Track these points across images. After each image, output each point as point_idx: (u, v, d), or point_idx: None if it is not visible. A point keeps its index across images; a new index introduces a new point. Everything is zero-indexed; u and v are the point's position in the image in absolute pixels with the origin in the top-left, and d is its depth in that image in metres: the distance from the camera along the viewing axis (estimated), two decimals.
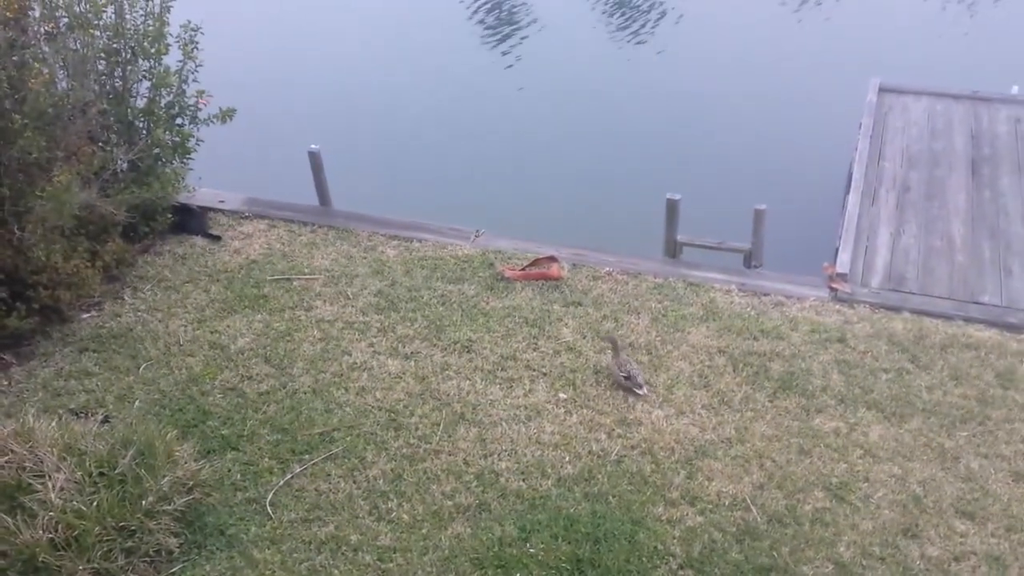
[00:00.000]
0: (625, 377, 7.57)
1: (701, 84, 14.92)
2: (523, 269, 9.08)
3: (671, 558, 6.20)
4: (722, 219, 10.45)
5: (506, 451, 7.01)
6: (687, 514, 6.50)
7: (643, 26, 17.64)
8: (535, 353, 8.01)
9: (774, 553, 6.23)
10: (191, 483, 6.47)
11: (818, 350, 8.06)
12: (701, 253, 9.71)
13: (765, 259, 9.52)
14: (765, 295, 8.85)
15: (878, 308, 8.69)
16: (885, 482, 6.76)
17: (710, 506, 6.56)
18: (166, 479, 6.25)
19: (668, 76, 15.51)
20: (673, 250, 9.70)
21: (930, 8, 17.80)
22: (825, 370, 7.83)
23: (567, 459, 6.95)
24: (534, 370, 7.82)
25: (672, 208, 9.52)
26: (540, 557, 6.17)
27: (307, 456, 6.97)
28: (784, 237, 10.17)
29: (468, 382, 7.67)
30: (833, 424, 7.28)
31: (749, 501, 6.59)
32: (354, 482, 6.77)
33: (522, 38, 17.38)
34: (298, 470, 6.85)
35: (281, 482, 6.75)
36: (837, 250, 9.48)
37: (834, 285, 8.96)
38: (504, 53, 16.86)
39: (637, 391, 7.55)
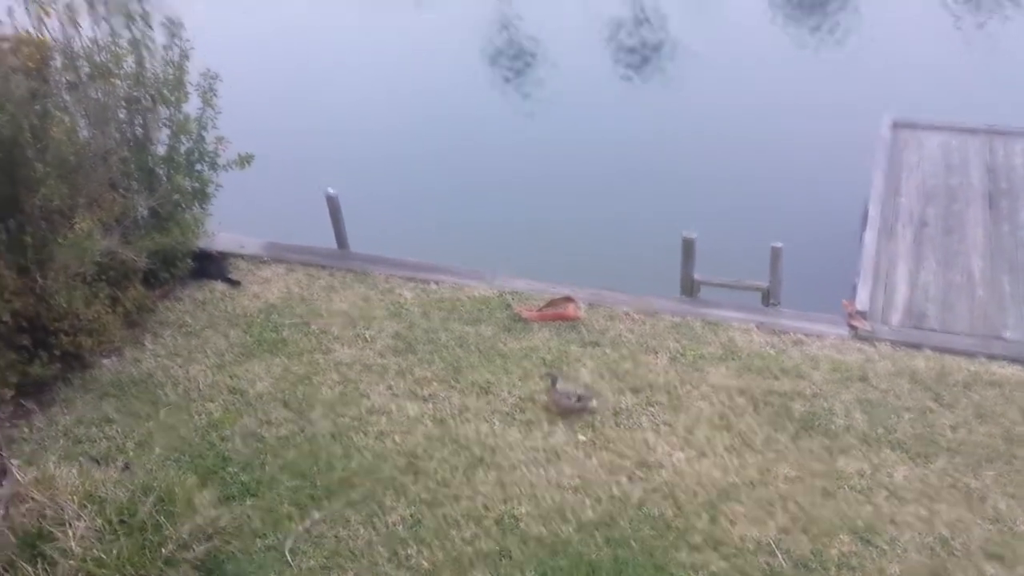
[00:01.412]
0: (577, 399, 7.68)
1: (716, 122, 14.96)
2: (540, 310, 9.08)
3: None
4: (739, 257, 10.42)
5: (526, 495, 6.96)
6: (711, 559, 6.42)
7: (658, 66, 17.75)
8: None
9: None
10: (211, 530, 6.46)
11: (840, 389, 7.99)
12: (718, 291, 9.68)
13: (783, 297, 9.47)
14: (784, 333, 8.80)
15: (899, 345, 8.62)
16: (912, 524, 6.66)
17: (734, 551, 6.48)
18: (186, 526, 6.25)
19: (683, 115, 15.55)
20: (690, 289, 9.67)
21: (943, 44, 17.82)
22: (847, 409, 7.75)
23: (588, 503, 6.89)
24: (552, 412, 7.78)
25: (688, 246, 9.51)
26: None
27: (326, 502, 6.95)
28: (802, 274, 10.11)
29: (487, 424, 7.65)
30: (857, 465, 7.19)
31: (774, 545, 6.51)
32: (373, 528, 6.73)
33: (538, 80, 17.52)
34: (317, 516, 6.82)
35: (300, 529, 6.72)
36: (856, 287, 9.44)
37: (854, 323, 8.90)
38: (521, 97, 16.99)
39: (591, 405, 7.68)
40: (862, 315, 8.99)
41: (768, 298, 9.54)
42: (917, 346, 8.61)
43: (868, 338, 8.74)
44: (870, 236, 10.15)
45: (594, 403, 7.69)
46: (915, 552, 6.45)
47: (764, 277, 9.48)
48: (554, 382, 7.77)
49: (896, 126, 12.22)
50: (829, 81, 16.44)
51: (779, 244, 9.36)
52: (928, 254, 9.99)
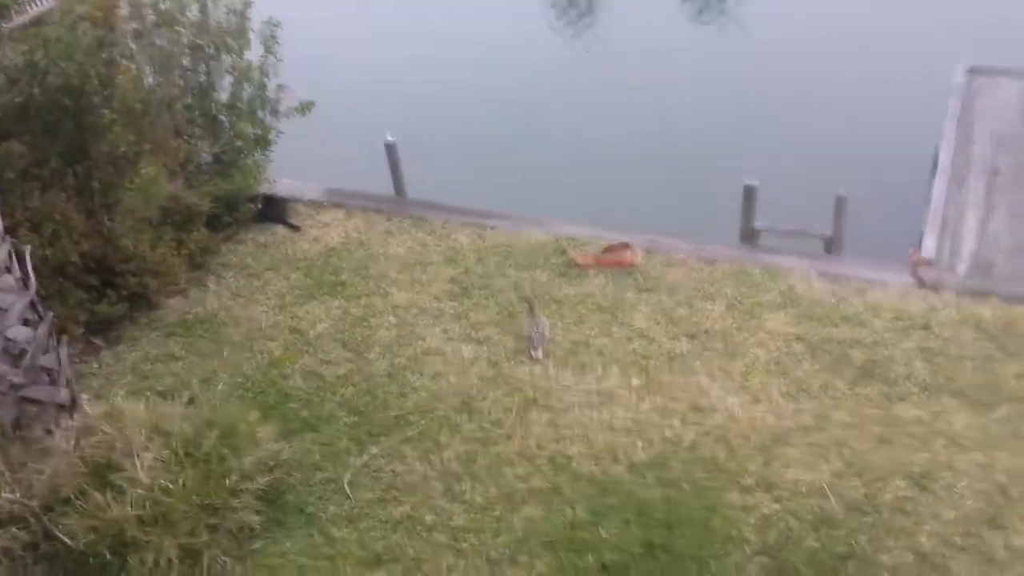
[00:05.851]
0: (529, 338, 7.76)
1: (780, 66, 14.58)
2: (596, 256, 9.05)
3: (746, 544, 6.13)
4: (802, 205, 10.20)
5: (578, 436, 7.01)
6: (762, 501, 6.41)
7: (722, 7, 17.33)
8: (607, 339, 7.99)
9: (852, 542, 6.10)
10: (272, 463, 6.67)
11: (901, 337, 7.84)
12: (779, 239, 9.50)
13: (847, 246, 9.26)
14: (846, 281, 8.64)
15: (965, 295, 8.39)
16: (969, 471, 6.54)
17: (786, 493, 6.46)
18: (249, 459, 6.45)
19: (747, 58, 15.20)
20: (750, 237, 9.53)
21: None
22: (908, 358, 7.61)
23: (640, 445, 6.91)
24: (606, 356, 7.80)
25: (749, 194, 9.37)
26: (612, 541, 6.17)
27: (383, 438, 7.10)
28: (867, 223, 9.86)
29: (540, 367, 7.70)
30: (916, 412, 7.07)
31: (827, 489, 6.46)
32: (428, 464, 6.87)
33: (596, 20, 17.24)
34: (375, 451, 6.98)
35: (359, 463, 6.89)
36: (922, 236, 9.19)
37: (920, 271, 8.68)
38: (579, 38, 16.77)
39: (533, 353, 7.71)
40: (928, 263, 8.76)
41: (831, 247, 9.35)
42: (983, 296, 8.37)
43: (933, 287, 8.53)
44: (940, 184, 9.87)
45: (538, 353, 7.70)
46: (971, 499, 6.34)
47: (827, 225, 9.29)
48: (531, 309, 7.89)
49: (972, 72, 11.78)
50: (901, 23, 15.85)
51: (843, 192, 9.15)
52: (999, 204, 9.68)
